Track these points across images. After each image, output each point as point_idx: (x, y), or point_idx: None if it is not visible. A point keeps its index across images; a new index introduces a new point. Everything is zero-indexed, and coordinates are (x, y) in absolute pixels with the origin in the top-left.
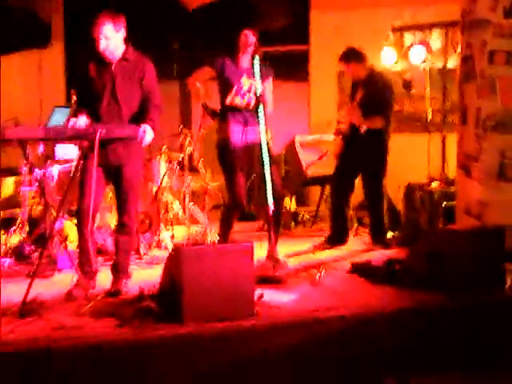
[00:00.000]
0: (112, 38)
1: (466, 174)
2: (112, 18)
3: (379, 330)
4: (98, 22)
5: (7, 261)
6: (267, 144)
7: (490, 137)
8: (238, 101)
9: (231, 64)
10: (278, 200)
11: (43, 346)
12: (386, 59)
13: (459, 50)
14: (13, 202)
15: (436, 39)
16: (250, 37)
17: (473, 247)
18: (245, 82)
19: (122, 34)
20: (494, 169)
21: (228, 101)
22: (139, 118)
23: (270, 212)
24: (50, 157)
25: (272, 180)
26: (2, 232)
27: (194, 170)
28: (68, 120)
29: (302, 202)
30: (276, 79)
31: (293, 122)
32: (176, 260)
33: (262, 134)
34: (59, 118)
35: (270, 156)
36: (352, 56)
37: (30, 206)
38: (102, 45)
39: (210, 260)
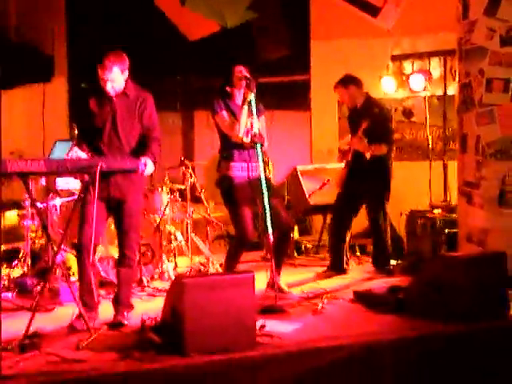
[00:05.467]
0: (117, 80)
1: (467, 201)
2: (119, 61)
3: (382, 358)
4: (106, 65)
5: (9, 294)
6: (268, 178)
7: (490, 164)
8: (245, 139)
9: (228, 101)
10: (287, 231)
11: (44, 381)
12: (387, 87)
13: (457, 78)
14: (15, 235)
15: (435, 67)
16: (243, 72)
17: (474, 273)
18: (244, 117)
19: (126, 74)
20: (495, 195)
21: (240, 138)
22: (139, 150)
23: (270, 241)
24: (51, 189)
25: (279, 212)
26: (5, 265)
27: (196, 200)
28: (69, 154)
29: (304, 231)
30: (277, 109)
31: (295, 150)
32: (178, 291)
33: (261, 169)
34: (61, 151)
35: (273, 189)
36: (350, 81)
37: (32, 240)
38: (108, 86)
39: (211, 291)
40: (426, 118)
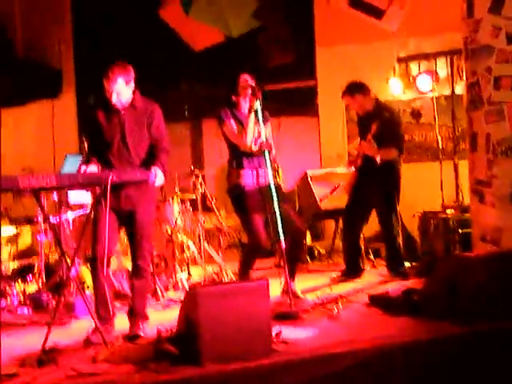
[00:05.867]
0: (123, 91)
1: (479, 200)
2: (123, 72)
3: (397, 362)
4: (110, 76)
5: (25, 310)
6: (277, 184)
7: (501, 162)
8: (253, 147)
9: (234, 110)
10: (300, 237)
11: None
12: (394, 89)
13: (464, 77)
14: (30, 250)
15: (442, 67)
16: (248, 80)
17: (490, 273)
18: (251, 125)
19: (132, 85)
20: (507, 193)
21: (248, 146)
22: (149, 162)
23: (283, 247)
24: (63, 203)
25: (290, 218)
26: (20, 281)
27: (207, 209)
28: (80, 167)
29: (317, 236)
30: (285, 115)
31: (304, 156)
32: (192, 300)
33: (270, 175)
34: (71, 165)
35: (283, 195)
36: (355, 89)
37: (46, 255)
38: (114, 98)
39: (225, 299)
40: (434, 118)
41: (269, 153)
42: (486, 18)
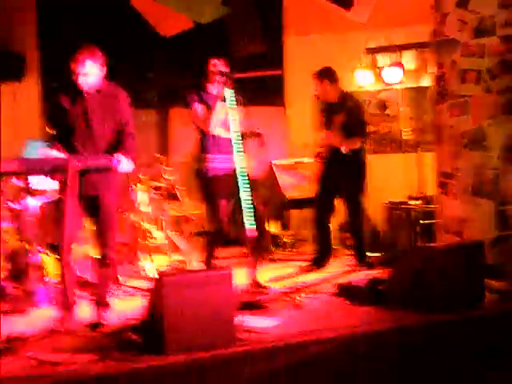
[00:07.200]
0: (91, 74)
1: (444, 192)
2: (91, 55)
3: (362, 351)
4: (78, 58)
5: None
6: (244, 170)
7: (465, 154)
8: (221, 131)
9: (202, 94)
10: (259, 224)
11: None
12: (361, 80)
13: (431, 69)
14: None
15: (409, 60)
16: (217, 65)
17: (453, 263)
18: (220, 110)
19: (100, 69)
20: (470, 185)
21: (211, 130)
22: (115, 147)
23: (249, 236)
24: (25, 189)
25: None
26: None
27: (173, 197)
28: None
29: (283, 226)
30: (252, 105)
31: (271, 146)
32: (156, 289)
33: (238, 161)
34: (32, 150)
35: (248, 181)
36: (325, 74)
37: (7, 241)
38: (81, 80)
39: (189, 288)
40: (399, 110)
41: (241, 138)
42: (453, 11)
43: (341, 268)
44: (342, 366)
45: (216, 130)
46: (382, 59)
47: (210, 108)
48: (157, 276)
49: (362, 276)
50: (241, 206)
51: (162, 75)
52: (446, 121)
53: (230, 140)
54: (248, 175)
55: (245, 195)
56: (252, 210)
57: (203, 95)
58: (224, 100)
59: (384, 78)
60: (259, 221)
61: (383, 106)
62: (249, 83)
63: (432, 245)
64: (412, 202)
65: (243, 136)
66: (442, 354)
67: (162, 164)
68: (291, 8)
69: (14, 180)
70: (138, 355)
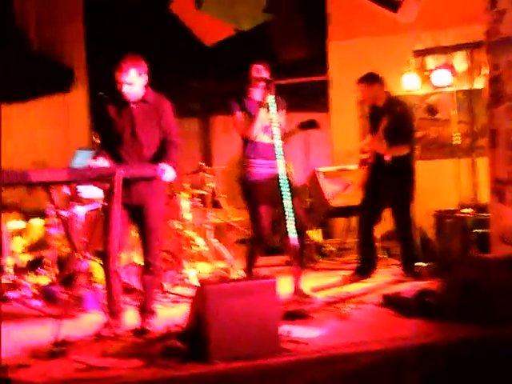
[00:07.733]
0: (135, 84)
1: (499, 199)
2: (135, 64)
3: (409, 364)
4: (122, 67)
5: (38, 302)
6: (288, 176)
7: None
8: (264, 137)
9: (244, 100)
10: (301, 232)
11: None
12: (409, 84)
13: (485, 71)
14: (41, 244)
15: (460, 61)
16: (260, 71)
17: (508, 276)
18: (263, 116)
19: (144, 78)
20: None
21: (254, 137)
22: (160, 156)
23: (293, 244)
24: (74, 197)
25: (296, 212)
26: (32, 274)
27: (217, 205)
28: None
29: (327, 234)
30: (297, 111)
31: (315, 153)
32: (201, 297)
33: (282, 167)
34: (82, 160)
35: (292, 188)
36: (374, 78)
37: (57, 248)
38: (126, 89)
39: (234, 297)
40: (450, 113)
41: (282, 142)
42: (510, 8)
43: (386, 278)
44: (388, 379)
45: (259, 136)
46: (432, 62)
47: (252, 115)
48: (198, 284)
49: (408, 286)
50: (285, 214)
51: (205, 84)
52: (504, 124)
53: (273, 146)
54: (291, 182)
55: (288, 203)
56: (295, 218)
57: (245, 102)
58: (266, 106)
59: (433, 80)
60: (302, 229)
61: (433, 110)
62: (292, 88)
63: (487, 255)
64: (465, 211)
65: (293, 132)
66: (495, 369)
67: (205, 172)
68: (335, 12)
69: (64, 189)
70: (183, 363)
